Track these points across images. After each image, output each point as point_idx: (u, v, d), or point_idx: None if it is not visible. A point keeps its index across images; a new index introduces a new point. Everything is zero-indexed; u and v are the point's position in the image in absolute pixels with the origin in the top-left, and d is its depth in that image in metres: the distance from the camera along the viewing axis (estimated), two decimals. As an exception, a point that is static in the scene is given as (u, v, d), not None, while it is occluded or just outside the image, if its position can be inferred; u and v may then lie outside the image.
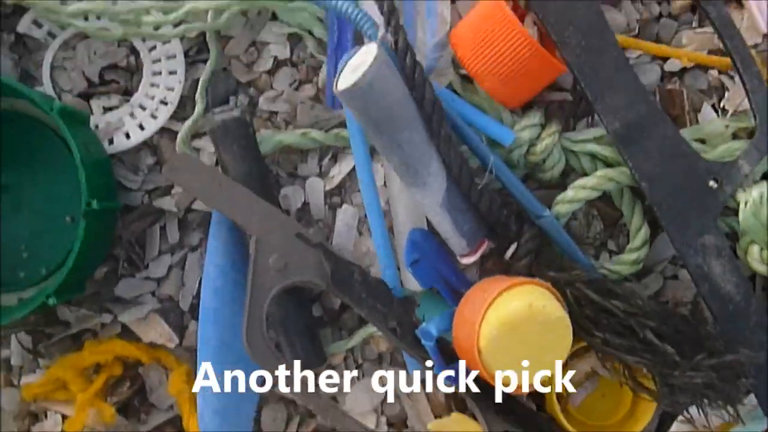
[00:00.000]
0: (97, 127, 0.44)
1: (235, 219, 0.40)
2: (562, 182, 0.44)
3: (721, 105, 0.45)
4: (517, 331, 0.36)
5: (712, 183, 0.41)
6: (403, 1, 0.43)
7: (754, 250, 0.42)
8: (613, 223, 0.46)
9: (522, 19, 0.43)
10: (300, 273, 0.40)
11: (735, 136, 0.44)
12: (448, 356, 0.40)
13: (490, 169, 0.40)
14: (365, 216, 0.43)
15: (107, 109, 0.45)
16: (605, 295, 0.40)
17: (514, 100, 0.42)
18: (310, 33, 0.45)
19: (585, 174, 0.44)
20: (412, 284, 0.43)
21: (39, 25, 0.44)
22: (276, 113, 0.45)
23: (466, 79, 0.43)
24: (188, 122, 0.44)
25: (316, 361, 0.42)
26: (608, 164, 0.43)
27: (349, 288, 0.40)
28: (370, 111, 0.37)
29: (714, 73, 0.46)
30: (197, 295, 0.44)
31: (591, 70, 0.41)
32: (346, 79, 0.37)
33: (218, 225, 0.42)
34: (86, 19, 0.43)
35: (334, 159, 0.45)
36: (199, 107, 0.44)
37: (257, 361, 0.38)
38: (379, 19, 0.39)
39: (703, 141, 0.44)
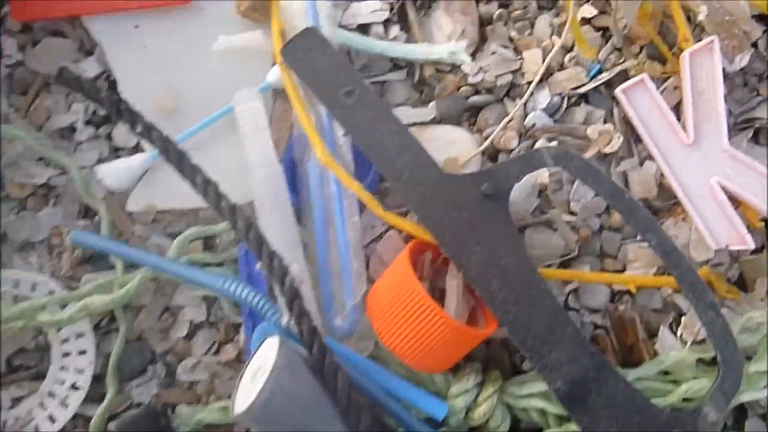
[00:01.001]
0: (5, 424, 0.41)
1: None
2: (515, 429, 0.40)
3: (679, 334, 0.40)
4: None
5: (677, 438, 0.36)
6: (317, 253, 0.40)
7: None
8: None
9: (446, 264, 0.40)
10: None
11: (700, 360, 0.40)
12: None
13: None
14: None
15: (16, 401, 0.42)
16: None
17: (441, 368, 0.38)
18: (225, 295, 0.42)
19: (538, 425, 0.39)
20: None
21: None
22: (196, 383, 0.42)
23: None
24: (101, 408, 0.41)
25: None
26: (560, 417, 0.39)
27: None
28: (273, 428, 0.33)
29: (668, 289, 0.42)
30: None
31: (524, 326, 0.37)
32: (243, 396, 0.33)
33: None
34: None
35: None
36: (111, 391, 0.41)
37: None
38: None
39: (666, 372, 0.40)
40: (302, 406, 0.34)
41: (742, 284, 0.42)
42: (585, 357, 0.37)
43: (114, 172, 0.41)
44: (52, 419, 0.41)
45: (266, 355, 0.34)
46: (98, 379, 0.42)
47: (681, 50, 0.42)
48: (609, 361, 0.37)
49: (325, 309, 0.39)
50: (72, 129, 0.44)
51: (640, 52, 0.43)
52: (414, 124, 0.44)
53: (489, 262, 0.37)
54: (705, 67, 0.41)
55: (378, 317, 0.37)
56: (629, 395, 0.37)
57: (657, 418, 0.36)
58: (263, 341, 0.36)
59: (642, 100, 0.41)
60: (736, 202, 0.40)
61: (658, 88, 0.42)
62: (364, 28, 0.45)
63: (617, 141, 0.42)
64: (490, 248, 0.37)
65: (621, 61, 0.43)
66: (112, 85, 0.44)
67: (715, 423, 0.37)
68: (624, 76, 0.43)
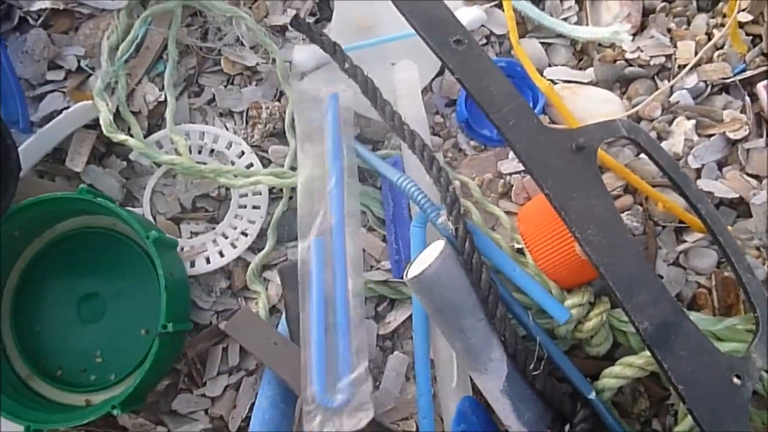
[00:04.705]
0: (182, 249, 0.48)
1: (286, 380, 0.42)
2: (611, 354, 0.45)
3: (776, 302, 0.45)
4: None
5: (735, 380, 0.39)
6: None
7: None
8: (659, 402, 0.46)
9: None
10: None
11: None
12: None
13: (538, 352, 0.41)
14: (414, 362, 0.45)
15: (194, 234, 0.49)
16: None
17: (566, 284, 0.44)
18: (371, 210, 0.49)
19: (633, 350, 0.44)
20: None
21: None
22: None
23: (520, 252, 0.45)
24: (259, 256, 0.48)
25: None
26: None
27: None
28: (435, 298, 0.40)
29: (772, 265, 0.47)
30: (246, 419, 0.46)
31: (616, 269, 0.39)
32: (414, 269, 0.40)
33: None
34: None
35: (391, 305, 0.48)
36: (270, 242, 0.48)
37: None
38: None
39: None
40: (456, 288, 0.40)
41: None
42: (666, 302, 0.39)
43: (305, 53, 0.50)
44: (221, 254, 0.48)
45: (432, 251, 0.40)
46: (263, 233, 0.49)
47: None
48: (684, 308, 0.40)
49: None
50: (284, 28, 0.53)
51: (785, 60, 0.49)
52: (573, 82, 0.50)
53: (585, 209, 0.39)
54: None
55: (526, 223, 0.43)
56: (701, 340, 0.39)
57: (720, 362, 0.39)
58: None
59: (780, 97, 0.47)
60: None
61: (795, 92, 0.47)
62: (542, -5, 0.53)
63: (744, 130, 0.47)
64: (586, 196, 0.40)
65: (765, 63, 0.49)
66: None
67: (762, 369, 0.40)
68: (765, 76, 0.49)
